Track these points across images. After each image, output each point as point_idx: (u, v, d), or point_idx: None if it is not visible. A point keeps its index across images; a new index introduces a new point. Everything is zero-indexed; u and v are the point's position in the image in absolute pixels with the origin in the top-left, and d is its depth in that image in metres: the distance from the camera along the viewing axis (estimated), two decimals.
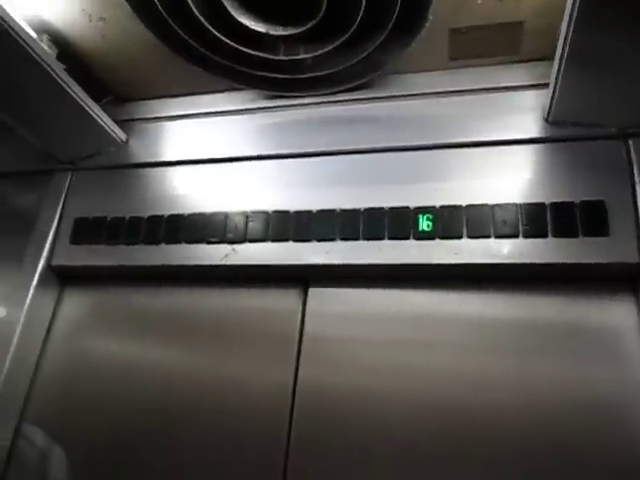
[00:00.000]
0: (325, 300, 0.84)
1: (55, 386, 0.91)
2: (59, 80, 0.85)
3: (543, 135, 0.80)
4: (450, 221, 0.78)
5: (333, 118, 0.91)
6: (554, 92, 0.76)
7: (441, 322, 0.78)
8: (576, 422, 0.69)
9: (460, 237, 0.77)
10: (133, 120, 1.03)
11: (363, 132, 0.88)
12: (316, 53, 0.83)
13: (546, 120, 0.81)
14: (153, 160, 0.97)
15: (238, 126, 0.96)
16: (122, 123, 1.01)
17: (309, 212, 0.84)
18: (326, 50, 0.82)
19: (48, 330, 0.95)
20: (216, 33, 0.81)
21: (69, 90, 0.88)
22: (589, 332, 0.73)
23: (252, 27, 0.80)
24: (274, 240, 0.83)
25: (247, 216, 0.86)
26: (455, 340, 0.77)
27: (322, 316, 0.83)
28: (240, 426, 0.80)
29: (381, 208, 0.81)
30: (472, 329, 0.77)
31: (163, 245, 0.89)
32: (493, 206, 0.77)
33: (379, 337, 0.79)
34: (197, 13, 0.78)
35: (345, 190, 0.84)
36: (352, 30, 0.78)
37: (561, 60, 0.70)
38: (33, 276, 0.93)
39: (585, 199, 0.75)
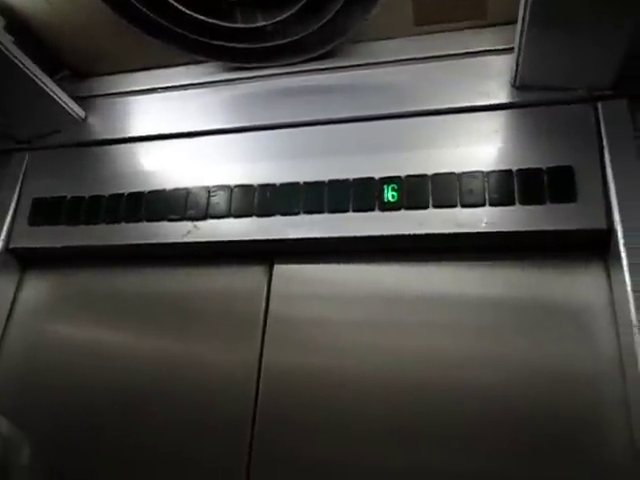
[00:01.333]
0: (291, 277, 0.82)
1: (17, 372, 0.89)
2: (7, 53, 0.81)
3: (510, 100, 0.78)
4: (415, 191, 0.76)
5: (296, 89, 0.88)
6: (519, 56, 0.74)
7: (409, 298, 0.77)
8: (547, 397, 0.68)
9: (426, 207, 0.75)
10: (91, 96, 1.00)
11: (327, 102, 0.85)
12: (274, 20, 0.79)
13: (513, 85, 0.79)
14: (113, 137, 0.94)
15: (199, 100, 0.93)
16: (80, 100, 0.98)
17: (273, 186, 0.81)
18: (285, 16, 0.79)
19: (9, 316, 0.93)
20: (169, 0, 0.77)
21: (20, 64, 0.84)
22: (558, 303, 0.72)
23: None
24: (237, 216, 0.81)
25: (209, 191, 0.84)
26: (423, 317, 0.75)
27: (288, 294, 0.81)
28: (204, 408, 0.79)
29: (346, 180, 0.79)
30: (440, 305, 0.75)
31: (123, 224, 0.86)
32: (459, 174, 0.75)
33: (346, 316, 0.78)
34: None
35: (309, 162, 0.82)
36: None
37: (523, 22, 0.68)
38: None
39: (552, 165, 0.73)
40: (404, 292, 0.77)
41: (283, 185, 0.81)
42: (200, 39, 0.85)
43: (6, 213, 0.93)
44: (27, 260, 0.95)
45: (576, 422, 0.66)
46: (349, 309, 0.78)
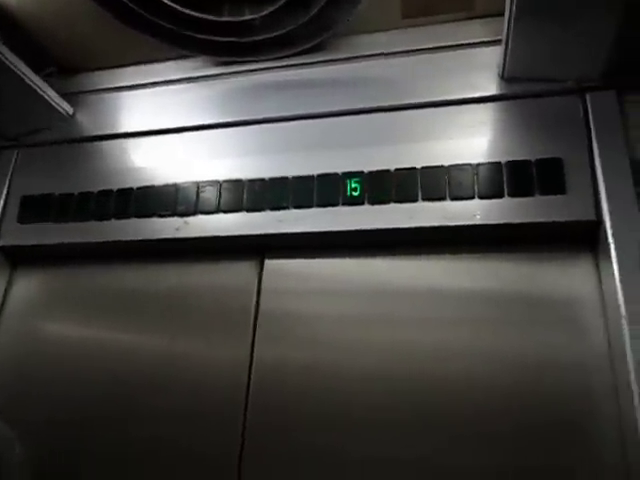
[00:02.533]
0: (282, 272, 0.82)
1: (8, 369, 0.89)
2: None
3: (498, 92, 0.78)
4: (405, 184, 0.76)
5: (285, 83, 0.88)
6: (507, 48, 0.73)
7: (400, 292, 0.77)
8: (537, 387, 0.68)
9: (415, 200, 0.75)
10: (79, 92, 0.99)
11: (316, 96, 0.85)
12: (262, 13, 0.79)
13: (501, 77, 0.78)
14: (101, 133, 0.94)
15: (188, 95, 0.92)
16: (68, 96, 0.97)
17: (262, 180, 0.81)
18: (272, 10, 0.78)
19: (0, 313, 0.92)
20: None
21: (6, 61, 0.83)
22: (548, 295, 0.72)
23: None
24: (227, 211, 0.81)
25: (198, 187, 0.84)
26: (414, 311, 0.75)
27: (279, 289, 0.81)
28: (196, 403, 0.78)
29: (335, 174, 0.79)
30: (431, 298, 0.75)
31: (114, 220, 0.86)
32: (448, 167, 0.75)
33: (337, 310, 0.78)
34: None
35: (298, 156, 0.82)
36: None
37: (510, 14, 0.68)
38: None
39: (541, 157, 0.73)
40: (395, 286, 0.77)
41: (272, 180, 0.81)
42: (187, 33, 0.84)
43: None
44: (17, 258, 0.95)
45: (566, 412, 0.66)
46: (340, 304, 0.78)
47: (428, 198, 0.75)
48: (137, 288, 0.87)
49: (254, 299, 0.81)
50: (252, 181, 0.81)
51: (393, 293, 0.77)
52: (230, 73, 0.91)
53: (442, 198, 0.74)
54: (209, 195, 0.83)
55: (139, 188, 0.87)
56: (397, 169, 0.77)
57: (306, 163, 0.81)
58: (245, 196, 0.81)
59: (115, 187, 0.88)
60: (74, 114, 0.98)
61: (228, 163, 0.84)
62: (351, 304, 0.77)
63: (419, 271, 0.78)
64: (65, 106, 0.96)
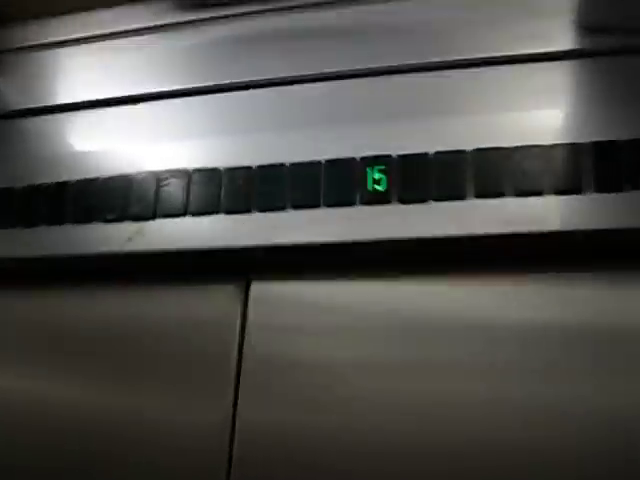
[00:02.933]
0: (274, 301, 0.64)
1: None
2: None
3: (576, 47, 0.60)
4: (450, 174, 0.57)
5: (278, 33, 0.69)
6: None
7: (439, 328, 0.58)
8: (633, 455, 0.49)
9: (463, 197, 0.56)
10: None
11: (322, 50, 0.66)
12: None
13: (580, 26, 0.60)
14: (24, 107, 0.76)
15: (144, 52, 0.74)
16: None
17: (247, 169, 0.62)
18: None
19: None
20: None
21: None
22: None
23: None
24: (198, 213, 0.63)
25: (158, 179, 0.65)
26: (455, 354, 0.57)
27: (270, 324, 0.63)
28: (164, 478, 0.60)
29: (352, 159, 0.60)
30: (481, 337, 0.57)
31: (43, 227, 0.67)
32: (511, 150, 0.56)
33: (349, 354, 0.59)
34: None
35: (299, 134, 0.63)
36: None
37: None
38: None
39: (635, 137, 0.55)
40: (430, 320, 0.59)
41: (262, 168, 0.62)
42: None
43: None
44: None
45: None
46: (353, 344, 0.60)
47: (482, 194, 0.56)
48: (73, 321, 0.68)
49: (236, 338, 0.63)
50: (233, 170, 0.63)
51: (431, 329, 0.58)
52: (202, 20, 0.72)
53: (501, 194, 0.56)
54: (174, 191, 0.64)
55: (78, 182, 0.68)
56: (438, 152, 0.58)
57: (310, 144, 0.62)
58: (223, 192, 0.62)
59: (45, 181, 0.69)
60: None
61: (200, 145, 0.66)
62: (370, 345, 0.59)
63: (467, 298, 0.59)
64: None
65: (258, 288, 0.64)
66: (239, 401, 0.59)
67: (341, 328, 0.61)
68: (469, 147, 0.57)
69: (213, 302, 0.65)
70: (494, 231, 0.55)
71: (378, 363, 0.58)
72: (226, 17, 0.71)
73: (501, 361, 0.56)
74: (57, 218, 0.67)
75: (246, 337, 0.62)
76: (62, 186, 0.68)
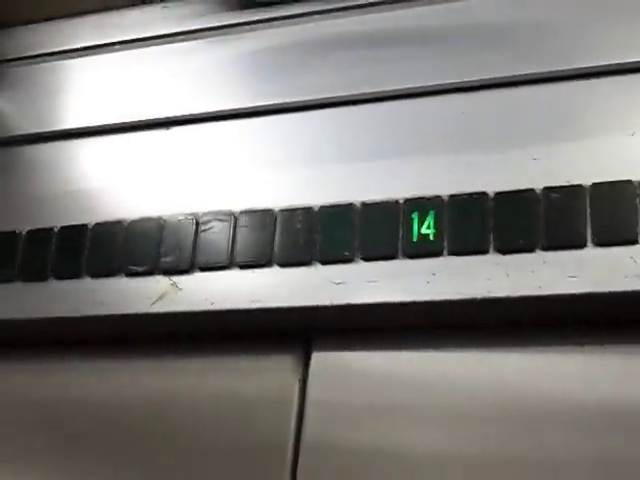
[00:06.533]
0: (341, 374, 0.54)
1: None
2: None
3: None
4: (563, 216, 0.46)
5: (349, 39, 0.58)
6: None
7: (551, 411, 0.47)
8: None
9: (581, 245, 0.45)
10: None
11: (406, 60, 0.56)
12: None
13: None
14: (30, 132, 0.67)
15: (179, 63, 0.64)
16: None
17: (307, 210, 0.53)
18: None
19: None
20: None
21: None
22: None
23: None
24: (245, 266, 0.53)
25: (197, 222, 0.56)
26: (566, 439, 0.45)
27: (333, 404, 0.53)
28: None
29: (438, 197, 0.49)
30: (597, 418, 0.45)
31: (52, 282, 0.58)
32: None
33: (432, 438, 0.49)
34: None
35: (372, 166, 0.53)
36: None
37: None
38: None
39: None
40: (536, 396, 0.48)
41: (327, 209, 0.52)
42: None
43: None
44: None
45: None
46: (437, 426, 0.50)
47: (604, 242, 0.45)
48: (90, 399, 0.58)
49: (293, 422, 0.53)
50: (290, 211, 0.54)
51: (535, 409, 0.47)
52: (254, 22, 0.62)
53: (632, 241, 0.45)
54: (216, 237, 0.55)
55: (96, 225, 0.59)
56: (545, 188, 0.47)
57: (384, 179, 0.53)
58: (278, 239, 0.53)
59: (55, 223, 0.61)
60: None
61: (248, 181, 0.57)
62: (458, 428, 0.49)
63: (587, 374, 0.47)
64: None
65: (320, 357, 0.55)
66: None
67: (420, 406, 0.50)
68: (587, 181, 0.47)
69: (264, 376, 0.55)
70: (620, 289, 0.44)
71: (465, 450, 0.47)
72: (283, 18, 0.61)
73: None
74: (70, 270, 0.58)
75: (305, 420, 0.52)
76: (77, 230, 0.59)
